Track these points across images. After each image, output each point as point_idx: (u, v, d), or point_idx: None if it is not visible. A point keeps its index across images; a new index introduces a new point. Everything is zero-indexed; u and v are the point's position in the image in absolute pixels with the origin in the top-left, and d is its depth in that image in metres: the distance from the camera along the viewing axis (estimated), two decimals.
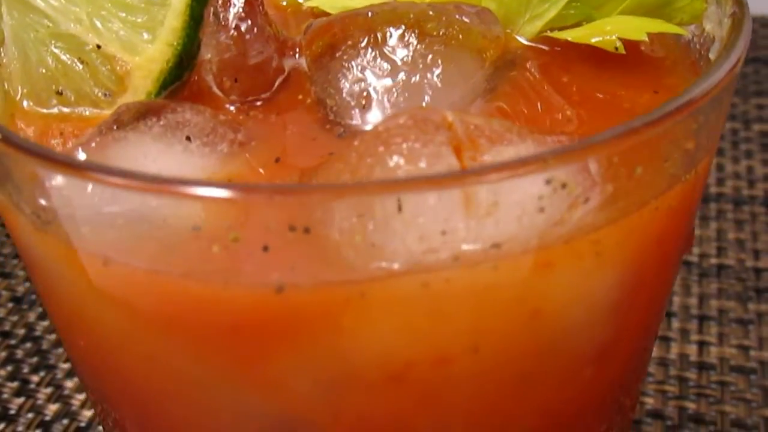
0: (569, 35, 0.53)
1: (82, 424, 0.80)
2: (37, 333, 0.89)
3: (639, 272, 0.46)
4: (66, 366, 0.85)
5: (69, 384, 0.84)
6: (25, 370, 0.85)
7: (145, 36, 0.52)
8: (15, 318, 0.91)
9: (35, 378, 0.84)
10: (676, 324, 0.86)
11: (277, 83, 0.53)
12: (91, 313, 0.46)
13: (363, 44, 0.51)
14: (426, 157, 0.42)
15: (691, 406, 0.78)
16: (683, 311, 0.87)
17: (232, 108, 0.52)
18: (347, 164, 0.43)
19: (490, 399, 0.46)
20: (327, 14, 0.55)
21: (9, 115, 0.53)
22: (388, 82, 0.51)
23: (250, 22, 0.52)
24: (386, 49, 0.51)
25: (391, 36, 0.51)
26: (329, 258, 0.40)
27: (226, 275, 0.41)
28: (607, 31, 0.52)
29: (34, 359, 0.86)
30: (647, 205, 0.44)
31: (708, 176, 0.52)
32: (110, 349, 0.48)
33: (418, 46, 0.51)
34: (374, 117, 0.50)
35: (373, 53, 0.51)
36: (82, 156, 0.47)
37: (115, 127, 0.48)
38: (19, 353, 0.87)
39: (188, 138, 0.48)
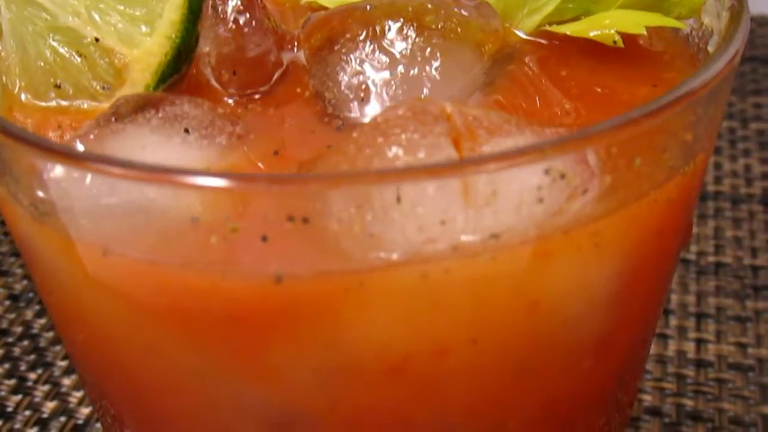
0: (568, 29, 0.53)
1: (80, 422, 0.79)
2: (35, 330, 0.89)
3: (638, 264, 0.46)
4: (63, 363, 0.85)
5: (66, 381, 0.83)
6: (23, 367, 0.85)
7: (144, 29, 0.52)
8: (12, 316, 0.91)
9: (32, 375, 0.84)
10: (673, 321, 0.86)
11: (275, 76, 0.53)
12: (89, 305, 0.46)
13: (361, 37, 0.51)
14: (425, 148, 0.42)
15: (688, 403, 0.78)
16: (681, 309, 0.87)
17: (230, 101, 0.52)
18: (346, 156, 0.43)
19: (489, 391, 0.46)
20: (325, 8, 0.55)
21: (7, 108, 0.53)
22: (386, 75, 0.51)
23: (248, 15, 0.52)
24: (385, 42, 0.51)
25: (389, 29, 0.51)
26: (328, 248, 0.40)
27: (225, 266, 0.41)
28: (605, 25, 0.53)
29: (32, 357, 0.86)
30: (646, 196, 0.44)
31: (706, 170, 0.52)
32: (109, 342, 0.48)
33: (417, 39, 0.51)
34: (373, 110, 0.50)
35: (372, 46, 0.51)
36: (80, 148, 0.47)
37: (113, 119, 0.48)
38: (17, 351, 0.87)
39: (186, 130, 0.48)
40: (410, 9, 0.51)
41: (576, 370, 0.48)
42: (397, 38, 0.51)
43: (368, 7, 0.52)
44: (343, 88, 0.51)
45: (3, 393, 0.82)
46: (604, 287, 0.45)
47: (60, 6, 0.52)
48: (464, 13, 0.52)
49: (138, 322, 0.45)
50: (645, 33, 0.52)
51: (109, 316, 0.46)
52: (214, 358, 0.44)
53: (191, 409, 0.48)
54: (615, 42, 0.52)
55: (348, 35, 0.52)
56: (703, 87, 0.43)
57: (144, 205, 0.41)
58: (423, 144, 0.42)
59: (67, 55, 0.52)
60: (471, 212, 0.40)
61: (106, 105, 0.51)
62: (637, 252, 0.46)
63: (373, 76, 0.51)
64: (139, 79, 0.52)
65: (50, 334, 0.88)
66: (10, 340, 0.88)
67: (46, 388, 0.83)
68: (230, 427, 0.47)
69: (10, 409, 0.81)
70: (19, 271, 0.96)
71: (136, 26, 0.52)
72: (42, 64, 0.52)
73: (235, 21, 0.52)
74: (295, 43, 0.54)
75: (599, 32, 0.52)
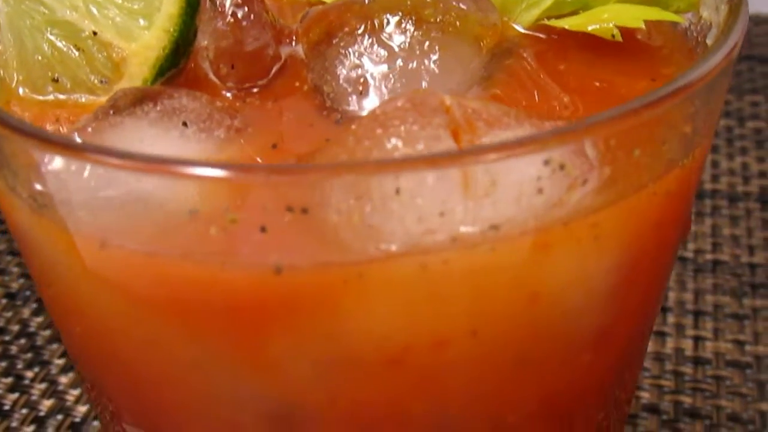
0: (566, 23, 0.53)
1: (77, 420, 0.79)
2: (32, 329, 0.89)
3: (637, 256, 0.46)
4: (60, 362, 0.85)
5: (63, 380, 0.83)
6: (20, 366, 0.85)
7: (142, 22, 0.52)
8: (9, 314, 0.90)
9: (29, 374, 0.84)
10: (671, 319, 0.86)
11: (273, 70, 0.53)
12: (87, 298, 0.46)
13: (360, 31, 0.51)
14: (424, 140, 0.42)
15: (686, 400, 0.78)
16: (679, 306, 0.87)
17: (228, 95, 0.52)
18: (345, 148, 0.43)
19: (489, 383, 0.46)
20: (323, 2, 0.55)
21: (5, 102, 0.53)
22: (384, 68, 0.51)
23: (246, 8, 0.52)
24: (383, 36, 0.51)
25: (387, 23, 0.51)
26: (327, 239, 0.40)
27: (224, 257, 0.41)
28: (604, 19, 0.52)
29: (29, 355, 0.86)
30: (645, 188, 0.44)
31: (705, 163, 0.52)
32: (107, 334, 0.47)
33: (415, 33, 0.51)
34: (371, 103, 0.50)
35: (370, 40, 0.51)
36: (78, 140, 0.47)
37: (111, 113, 0.48)
38: (14, 349, 0.86)
39: (185, 124, 0.48)
40: (408, 2, 0.51)
41: (575, 363, 0.48)
42: (396, 32, 0.51)
43: (366, 0, 0.52)
44: (341, 81, 0.51)
45: (0, 391, 0.82)
46: (604, 279, 0.45)
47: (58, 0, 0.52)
48: (463, 6, 0.52)
49: (136, 314, 0.45)
50: (643, 27, 0.52)
51: (107, 309, 0.45)
52: (213, 349, 0.44)
53: (190, 401, 0.47)
54: (613, 36, 0.52)
55: (346, 29, 0.52)
56: (703, 78, 0.43)
57: (142, 196, 0.41)
58: (422, 136, 0.42)
59: (64, 49, 0.52)
60: (470, 203, 0.40)
61: (103, 99, 0.51)
62: (637, 244, 0.46)
63: (372, 69, 0.51)
64: (137, 72, 0.52)
65: (47, 333, 0.88)
66: (7, 338, 0.88)
67: (43, 386, 0.83)
68: (229, 419, 0.46)
69: (7, 408, 0.80)
70: (15, 269, 0.96)
71: (134, 20, 0.52)
72: (40, 57, 0.52)
73: (234, 15, 0.52)
74: (294, 37, 0.54)
75: (598, 26, 0.52)
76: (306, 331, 0.42)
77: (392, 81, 0.50)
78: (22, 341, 0.87)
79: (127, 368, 0.48)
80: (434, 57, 0.51)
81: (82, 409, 0.80)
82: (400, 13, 0.51)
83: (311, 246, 0.40)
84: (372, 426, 0.46)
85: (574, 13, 0.55)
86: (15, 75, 0.53)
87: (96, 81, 0.52)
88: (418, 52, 0.51)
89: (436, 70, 0.51)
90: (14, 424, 0.79)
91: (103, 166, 0.40)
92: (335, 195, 0.39)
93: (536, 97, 0.52)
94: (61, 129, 0.51)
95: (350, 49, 0.51)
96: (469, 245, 0.41)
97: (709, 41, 0.52)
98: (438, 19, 0.51)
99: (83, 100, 0.52)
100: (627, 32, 0.53)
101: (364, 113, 0.49)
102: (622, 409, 0.59)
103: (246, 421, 0.46)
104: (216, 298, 0.42)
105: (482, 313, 0.43)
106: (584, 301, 0.45)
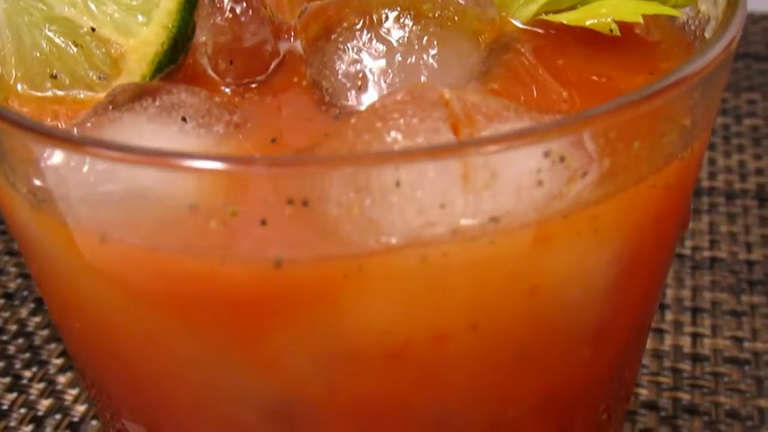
0: (564, 18, 0.53)
1: (75, 419, 0.79)
2: (30, 329, 0.89)
3: (636, 249, 0.46)
4: (58, 361, 0.85)
5: (62, 379, 0.83)
6: (18, 365, 0.85)
7: (140, 18, 0.52)
8: (7, 314, 0.90)
9: (28, 373, 0.84)
10: (669, 316, 0.86)
11: (272, 66, 0.53)
12: (87, 293, 0.46)
13: (358, 26, 0.51)
14: (423, 133, 0.42)
15: (685, 397, 0.78)
16: (676, 303, 0.88)
17: (227, 90, 0.52)
18: (344, 141, 0.43)
19: (489, 377, 0.46)
20: None
21: (3, 98, 0.53)
22: (383, 63, 0.51)
23: (245, 4, 0.52)
24: (381, 31, 0.51)
25: (386, 18, 0.51)
26: (327, 232, 0.40)
27: (224, 250, 0.41)
28: (602, 14, 0.52)
29: (27, 355, 0.86)
30: (645, 181, 0.44)
31: (703, 156, 0.52)
32: (107, 330, 0.47)
33: (414, 28, 0.51)
34: (370, 98, 0.50)
35: (369, 35, 0.51)
36: None
37: (110, 108, 0.48)
38: (11, 349, 0.86)
39: (184, 119, 0.48)
40: None
41: (575, 357, 0.48)
42: (394, 27, 0.51)
43: None
44: (340, 76, 0.51)
45: None
46: (603, 272, 0.45)
47: None
48: (461, 1, 0.52)
49: (136, 309, 0.44)
50: (642, 21, 0.52)
51: (106, 304, 0.45)
52: (213, 344, 0.44)
53: (190, 397, 0.47)
54: (612, 31, 0.52)
55: (345, 24, 0.52)
56: (702, 70, 0.43)
57: (142, 190, 0.41)
58: (421, 129, 0.42)
59: (63, 45, 0.52)
60: (470, 196, 0.40)
61: (102, 95, 0.51)
62: (636, 237, 0.46)
63: (370, 64, 0.51)
64: (136, 68, 0.52)
65: (45, 332, 0.88)
66: (5, 338, 0.88)
67: (41, 386, 0.82)
68: (229, 414, 0.46)
69: (5, 407, 0.80)
70: (13, 269, 0.96)
71: (133, 16, 0.52)
72: (38, 54, 0.52)
73: (232, 10, 0.52)
74: (292, 33, 0.54)
75: (596, 21, 0.52)
76: (306, 325, 0.42)
77: (391, 76, 0.51)
78: (20, 341, 0.87)
79: (127, 363, 0.48)
80: (433, 52, 0.51)
81: (81, 408, 0.80)
82: (399, 8, 0.51)
83: (311, 239, 0.40)
84: (372, 420, 0.46)
85: (573, 8, 0.55)
86: (13, 71, 0.53)
87: (94, 77, 0.52)
88: (416, 47, 0.51)
89: (435, 65, 0.51)
90: (12, 423, 0.79)
91: (103, 160, 0.40)
92: (336, 187, 0.39)
93: (534, 92, 0.52)
94: (59, 125, 0.51)
95: (349, 45, 0.51)
96: (469, 238, 0.40)
97: (707, 35, 0.52)
98: (436, 14, 0.51)
99: (82, 96, 0.52)
100: (625, 27, 0.53)
101: (363, 108, 0.49)
102: (622, 404, 0.59)
103: (246, 416, 0.46)
104: (216, 292, 0.42)
105: (482, 306, 0.43)
106: (584, 294, 0.45)
